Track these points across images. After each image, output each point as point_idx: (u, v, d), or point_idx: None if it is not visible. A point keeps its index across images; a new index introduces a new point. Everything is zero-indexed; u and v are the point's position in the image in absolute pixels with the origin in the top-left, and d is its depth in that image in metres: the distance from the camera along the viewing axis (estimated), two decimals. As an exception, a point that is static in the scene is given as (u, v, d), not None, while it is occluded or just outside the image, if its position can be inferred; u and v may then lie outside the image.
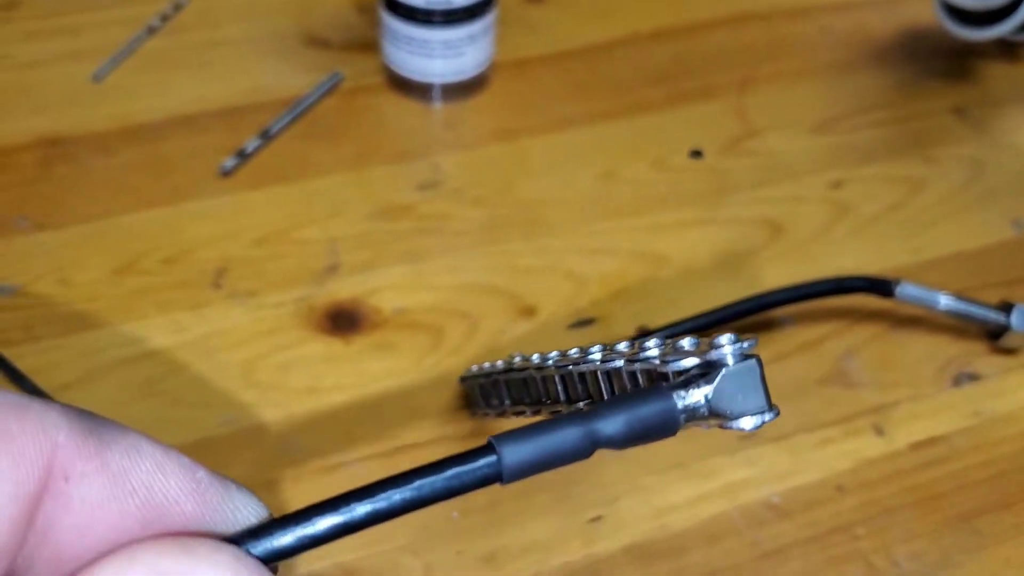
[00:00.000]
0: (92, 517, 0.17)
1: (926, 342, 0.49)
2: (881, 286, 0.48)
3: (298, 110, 0.56)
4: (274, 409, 0.44)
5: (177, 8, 0.61)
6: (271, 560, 0.17)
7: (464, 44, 0.55)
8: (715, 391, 0.20)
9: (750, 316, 0.48)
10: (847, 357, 0.48)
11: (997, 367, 0.48)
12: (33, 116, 0.55)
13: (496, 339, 0.48)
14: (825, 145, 0.58)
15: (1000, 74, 0.64)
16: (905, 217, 0.55)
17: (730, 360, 0.20)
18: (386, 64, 0.57)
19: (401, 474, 0.18)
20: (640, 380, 0.23)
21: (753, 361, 0.20)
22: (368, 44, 0.60)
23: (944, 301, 0.47)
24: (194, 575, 0.16)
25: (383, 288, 0.49)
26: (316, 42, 0.61)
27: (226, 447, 0.43)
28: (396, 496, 0.18)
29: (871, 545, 0.42)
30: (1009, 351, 0.49)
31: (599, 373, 0.26)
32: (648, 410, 0.19)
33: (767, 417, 0.20)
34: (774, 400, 0.21)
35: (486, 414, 0.38)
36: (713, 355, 0.20)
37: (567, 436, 0.19)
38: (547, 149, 0.57)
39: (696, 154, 0.57)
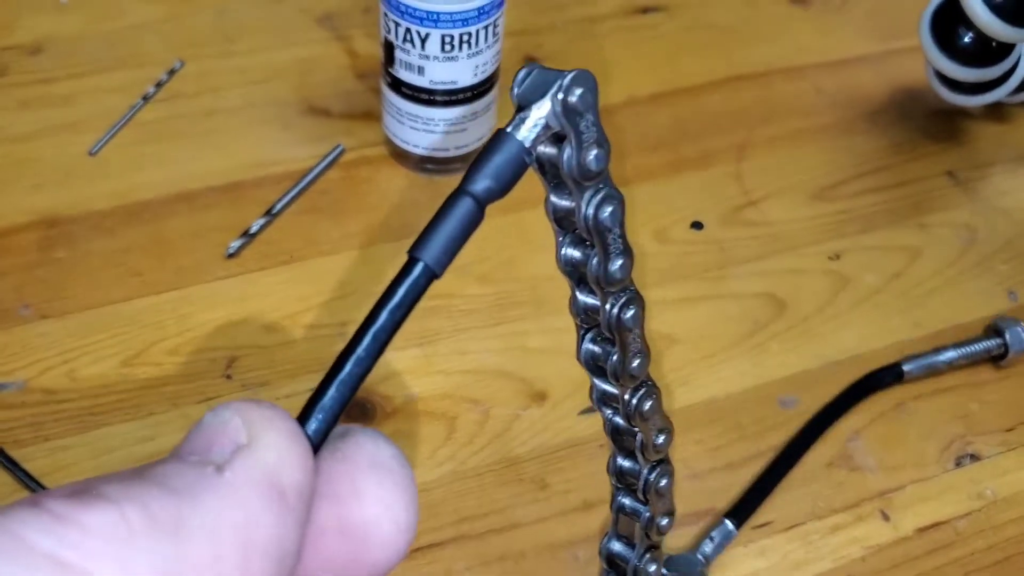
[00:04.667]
0: None
1: (927, 421, 0.50)
2: (893, 373, 0.50)
3: (302, 185, 0.55)
4: (292, 510, 0.44)
5: (171, 74, 0.60)
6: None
7: (467, 120, 0.55)
8: (551, 110, 0.23)
9: (811, 445, 0.48)
10: (853, 439, 0.49)
11: (998, 446, 0.49)
12: (30, 194, 0.54)
13: (508, 427, 0.48)
14: (824, 214, 0.59)
15: (989, 134, 0.65)
16: (904, 289, 0.56)
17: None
18: (388, 136, 0.57)
19: (367, 316, 0.21)
20: None
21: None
22: (368, 113, 0.60)
23: (948, 355, 0.51)
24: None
25: (394, 375, 0.49)
26: (316, 111, 0.60)
27: None
28: (380, 323, 0.21)
29: (885, 641, 0.42)
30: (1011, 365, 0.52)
31: None
32: (501, 154, 0.22)
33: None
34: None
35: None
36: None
37: (460, 213, 0.21)
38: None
39: (697, 225, 0.57)
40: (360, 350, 0.20)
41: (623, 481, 0.36)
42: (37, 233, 0.53)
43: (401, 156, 0.57)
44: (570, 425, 0.48)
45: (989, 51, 0.57)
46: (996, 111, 0.65)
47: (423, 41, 0.51)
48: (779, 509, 0.46)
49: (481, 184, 0.22)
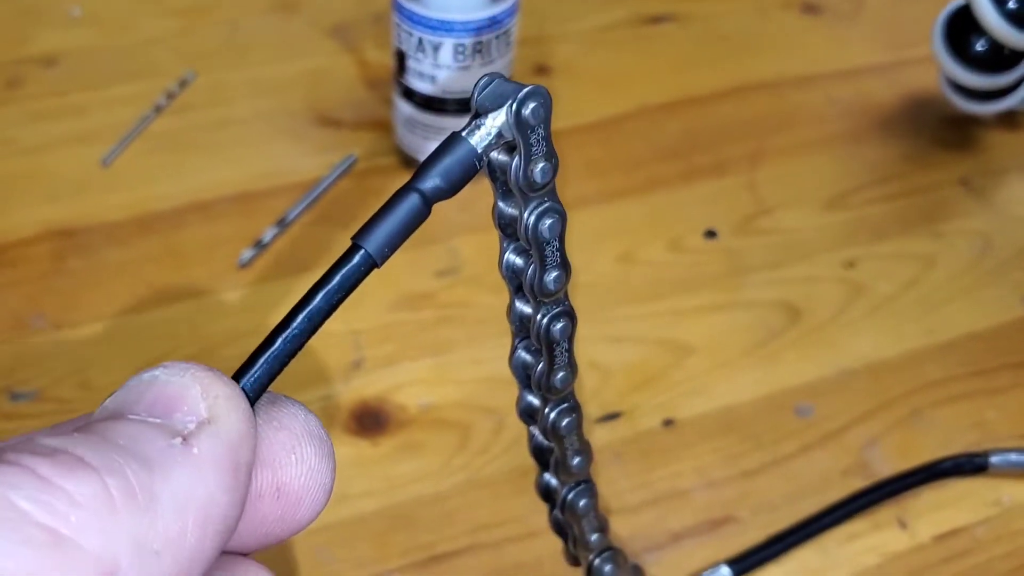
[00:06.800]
0: None
1: (943, 428, 0.50)
2: (977, 463, 0.48)
3: (313, 195, 0.55)
4: (306, 520, 0.44)
5: (183, 85, 0.61)
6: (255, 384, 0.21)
7: (480, 129, 0.55)
8: (505, 120, 0.23)
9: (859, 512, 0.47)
10: (869, 447, 0.49)
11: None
12: (43, 205, 0.55)
13: (523, 436, 0.48)
14: (837, 222, 0.59)
15: (1002, 142, 0.64)
16: (918, 296, 0.55)
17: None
18: (399, 145, 0.57)
19: (303, 297, 0.22)
20: None
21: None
22: (379, 122, 0.60)
23: None
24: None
25: (408, 383, 0.49)
26: (327, 121, 0.60)
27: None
28: (314, 304, 0.22)
29: (905, 650, 0.42)
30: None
31: None
32: (453, 156, 0.23)
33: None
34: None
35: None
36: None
37: (407, 208, 0.22)
38: (563, 230, 0.57)
39: (711, 234, 0.57)
40: (293, 328, 0.21)
41: (549, 500, 0.37)
42: (50, 244, 0.53)
43: (413, 165, 0.57)
44: (588, 433, 0.48)
45: (1002, 58, 0.57)
46: (1009, 118, 0.65)
47: (435, 50, 0.51)
48: (796, 517, 0.46)
49: (430, 182, 0.23)
